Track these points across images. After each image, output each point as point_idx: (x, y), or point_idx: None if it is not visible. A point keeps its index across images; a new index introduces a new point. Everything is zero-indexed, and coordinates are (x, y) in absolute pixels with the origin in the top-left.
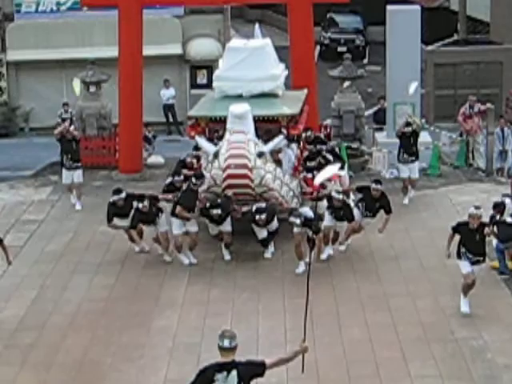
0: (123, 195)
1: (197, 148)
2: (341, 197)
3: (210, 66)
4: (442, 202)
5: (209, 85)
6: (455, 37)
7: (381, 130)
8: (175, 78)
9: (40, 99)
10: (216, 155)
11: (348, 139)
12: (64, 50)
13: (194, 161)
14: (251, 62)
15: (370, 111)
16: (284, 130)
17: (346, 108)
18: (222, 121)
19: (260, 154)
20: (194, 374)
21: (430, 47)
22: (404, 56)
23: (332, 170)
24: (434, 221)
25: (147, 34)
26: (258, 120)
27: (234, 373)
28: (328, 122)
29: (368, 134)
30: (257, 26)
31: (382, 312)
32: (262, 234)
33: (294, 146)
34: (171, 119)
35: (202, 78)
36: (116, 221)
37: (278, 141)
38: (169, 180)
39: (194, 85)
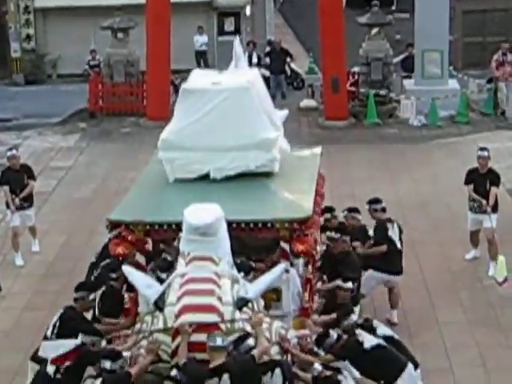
0: None
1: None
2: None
3: (237, 13)
4: (470, 150)
5: (236, 32)
6: None
7: (409, 77)
8: (203, 25)
9: (68, 46)
10: (159, 305)
11: (376, 86)
12: None
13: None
14: (225, 118)
15: (398, 58)
16: (285, 245)
17: (374, 55)
18: (174, 230)
19: (242, 304)
20: None
21: None
22: (432, 3)
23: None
24: (461, 168)
25: None
26: (237, 227)
27: (278, 371)
28: (356, 69)
29: (396, 81)
30: (236, 40)
31: (410, 259)
32: None
33: (299, 262)
34: (203, 66)
35: (229, 26)
36: None
37: (275, 276)
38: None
39: (222, 32)
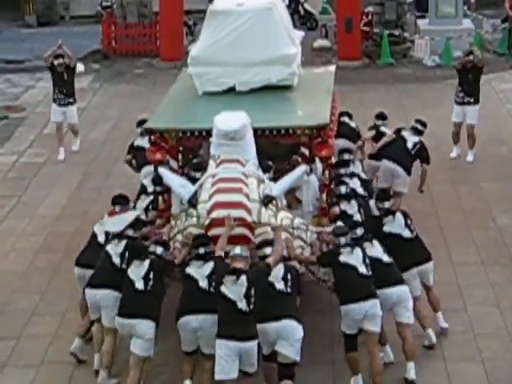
0: None
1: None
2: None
3: None
4: (484, 89)
5: None
6: None
7: (423, 17)
8: None
9: None
10: (192, 202)
11: (390, 26)
12: None
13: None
14: (249, 36)
15: None
16: (305, 150)
17: None
18: (204, 137)
19: (267, 201)
20: None
21: None
22: None
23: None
24: None
25: None
26: (262, 134)
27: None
28: (370, 9)
29: (410, 20)
30: None
31: (423, 198)
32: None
33: (318, 166)
34: None
35: None
36: None
37: (297, 177)
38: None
39: None
